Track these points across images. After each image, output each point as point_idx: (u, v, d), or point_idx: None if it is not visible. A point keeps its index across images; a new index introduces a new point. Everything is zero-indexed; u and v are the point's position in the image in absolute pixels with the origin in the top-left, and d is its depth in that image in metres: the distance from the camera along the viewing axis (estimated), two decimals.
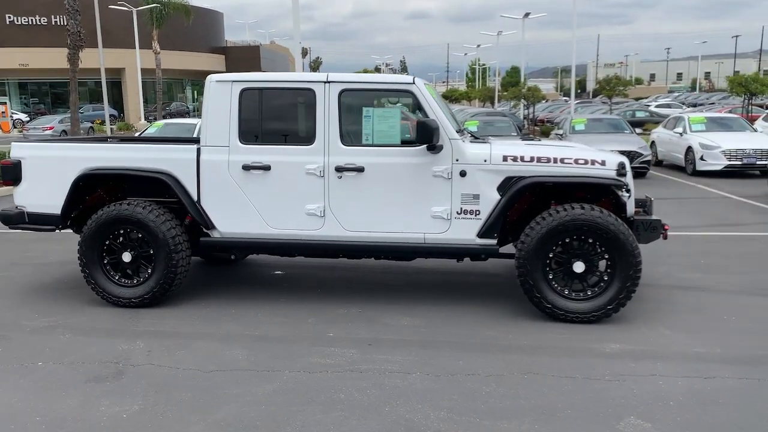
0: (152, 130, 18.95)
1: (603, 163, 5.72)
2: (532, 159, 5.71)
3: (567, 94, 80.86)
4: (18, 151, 6.42)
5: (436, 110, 5.78)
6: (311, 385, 4.40)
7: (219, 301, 6.26)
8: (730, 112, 27.45)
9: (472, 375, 4.51)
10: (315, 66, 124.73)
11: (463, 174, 5.72)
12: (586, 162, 5.70)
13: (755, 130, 17.33)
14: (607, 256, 5.54)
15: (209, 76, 6.14)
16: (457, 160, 5.73)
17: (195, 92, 60.22)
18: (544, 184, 5.73)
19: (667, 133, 18.05)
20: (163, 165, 6.06)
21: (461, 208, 5.75)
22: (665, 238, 5.91)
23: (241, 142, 5.97)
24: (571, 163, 5.69)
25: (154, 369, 4.69)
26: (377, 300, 6.24)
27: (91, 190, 6.43)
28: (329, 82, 5.86)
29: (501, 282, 6.96)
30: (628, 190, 5.76)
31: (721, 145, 15.61)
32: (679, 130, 17.35)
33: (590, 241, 5.53)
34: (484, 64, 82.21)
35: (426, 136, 5.60)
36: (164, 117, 40.18)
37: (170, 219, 6.04)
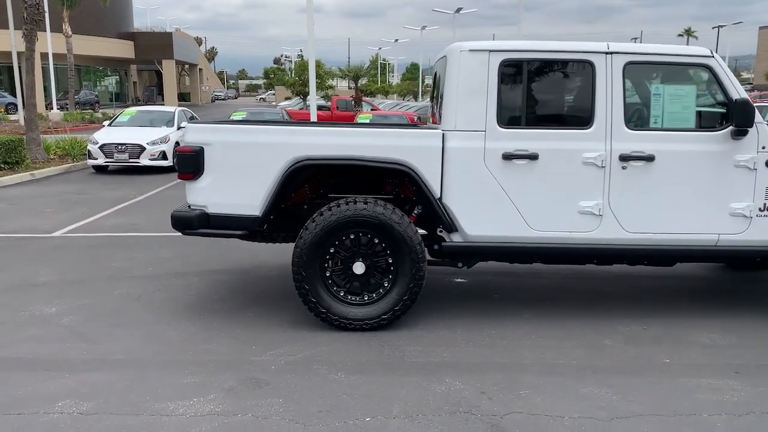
0: (124, 119, 16.95)
1: None
2: None
3: None
4: (198, 134, 4.93)
5: (739, 89, 4.94)
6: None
7: (445, 320, 5.12)
8: None
9: None
10: (211, 56, 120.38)
11: None
12: None
13: None
14: None
15: (455, 45, 4.97)
16: (763, 148, 4.92)
17: (108, 80, 55.58)
18: None
19: None
20: (399, 154, 4.83)
21: (765, 204, 4.95)
22: None
23: (500, 125, 4.87)
24: None
25: (533, 420, 3.55)
26: (636, 311, 5.33)
27: (295, 186, 5.10)
28: (611, 52, 4.88)
29: (739, 282, 6.24)
30: None
31: None
32: None
33: None
34: (384, 60, 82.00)
35: (746, 117, 4.77)
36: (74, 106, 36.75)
37: (411, 221, 4.84)
